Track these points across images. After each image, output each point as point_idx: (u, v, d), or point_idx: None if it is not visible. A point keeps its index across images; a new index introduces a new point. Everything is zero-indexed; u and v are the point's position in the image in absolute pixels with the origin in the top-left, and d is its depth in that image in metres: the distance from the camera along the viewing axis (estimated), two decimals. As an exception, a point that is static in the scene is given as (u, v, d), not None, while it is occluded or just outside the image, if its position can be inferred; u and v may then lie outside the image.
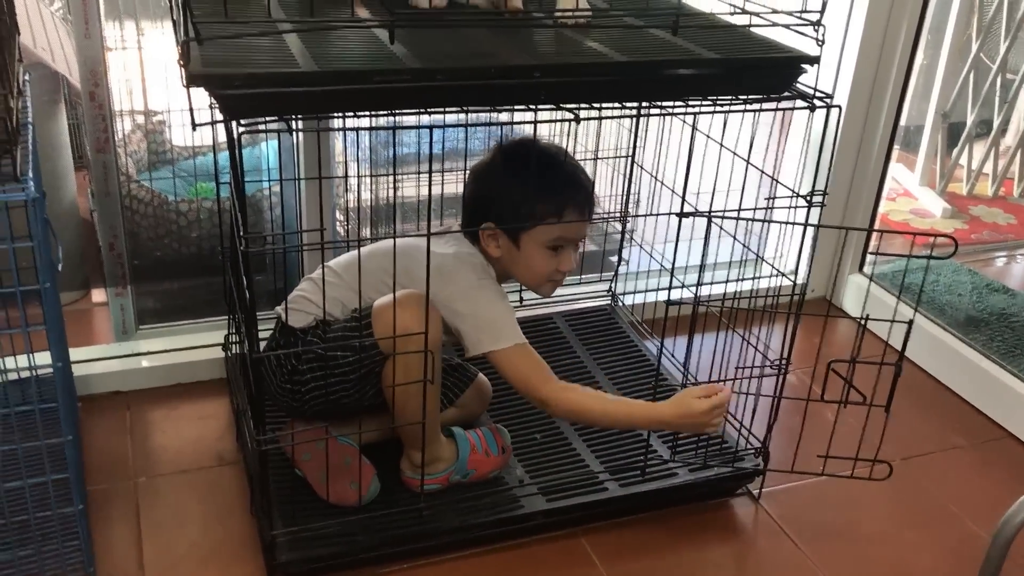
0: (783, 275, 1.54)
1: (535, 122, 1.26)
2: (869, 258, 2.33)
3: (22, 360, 1.52)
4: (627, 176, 2.01)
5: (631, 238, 2.08)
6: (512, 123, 1.45)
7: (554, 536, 1.55)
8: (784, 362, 1.57)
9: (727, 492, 1.67)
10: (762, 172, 1.52)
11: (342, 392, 1.45)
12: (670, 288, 1.68)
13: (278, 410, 1.54)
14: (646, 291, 2.06)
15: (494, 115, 1.28)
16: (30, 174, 1.17)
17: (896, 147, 3.19)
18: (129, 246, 1.88)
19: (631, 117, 1.35)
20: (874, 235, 2.32)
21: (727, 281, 1.66)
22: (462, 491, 1.54)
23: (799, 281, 2.32)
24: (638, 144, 1.96)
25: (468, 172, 1.57)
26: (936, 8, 2.34)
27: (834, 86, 2.14)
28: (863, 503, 1.69)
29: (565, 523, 1.56)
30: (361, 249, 1.41)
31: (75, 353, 1.84)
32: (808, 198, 1.42)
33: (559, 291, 2.05)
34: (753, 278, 2.02)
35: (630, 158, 1.98)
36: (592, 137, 2.11)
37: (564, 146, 1.67)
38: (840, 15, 2.08)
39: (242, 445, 1.67)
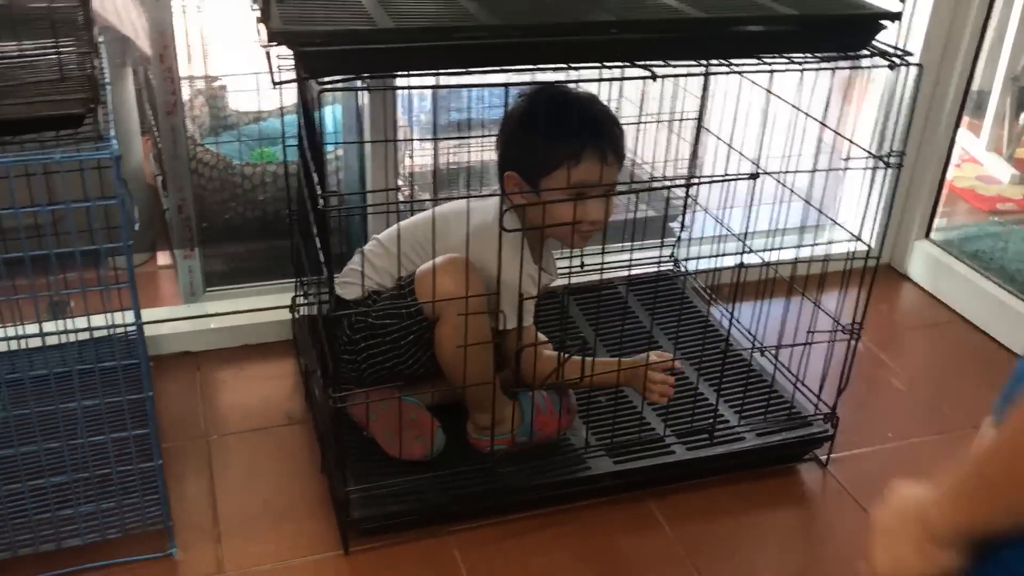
0: (857, 239, 1.51)
1: (609, 79, 1.25)
2: (937, 223, 2.28)
3: (98, 320, 1.56)
4: (694, 139, 1.98)
5: (695, 202, 2.06)
6: (582, 80, 1.42)
7: (621, 498, 1.55)
8: (857, 326, 1.55)
9: (795, 457, 1.66)
10: (836, 132, 1.49)
11: (397, 360, 1.47)
12: (741, 253, 1.67)
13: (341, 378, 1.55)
14: (709, 256, 2.04)
15: (572, 73, 1.26)
16: (112, 133, 1.18)
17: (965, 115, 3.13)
18: (196, 209, 1.90)
19: (702, 75, 1.32)
20: (943, 201, 2.27)
21: (797, 246, 1.64)
22: (529, 452, 1.54)
23: (865, 247, 2.30)
24: (705, 106, 1.93)
25: None
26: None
27: (904, 45, 2.09)
28: (931, 471, 1.66)
29: (632, 485, 1.56)
30: (405, 220, 1.42)
31: (145, 314, 1.86)
32: (885, 159, 1.40)
33: (620, 256, 2.05)
34: (822, 243, 2.00)
35: (697, 121, 1.96)
36: (657, 99, 2.09)
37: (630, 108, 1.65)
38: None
39: (311, 405, 1.69)
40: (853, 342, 1.56)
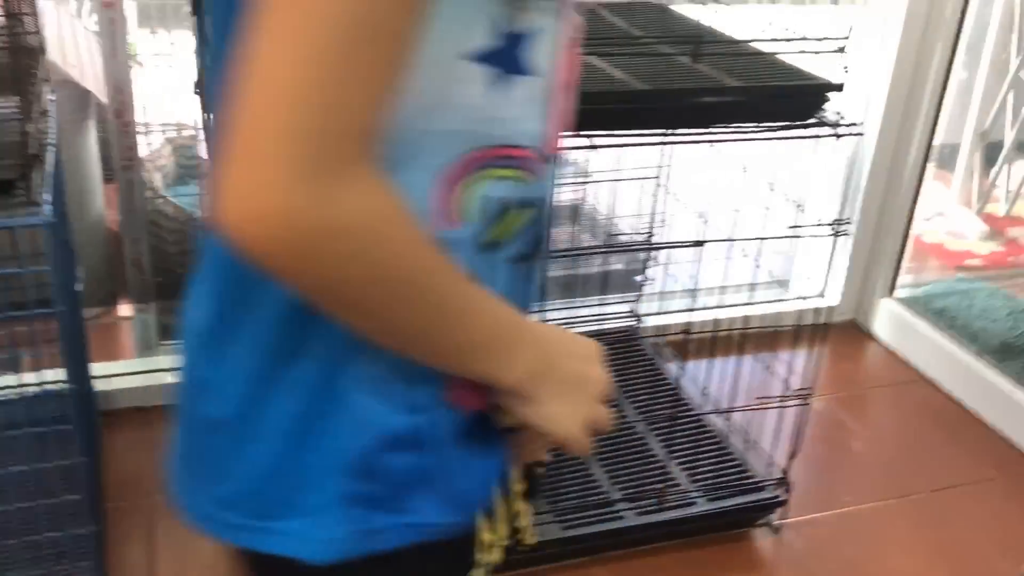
0: (800, 297, 1.51)
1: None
2: (901, 280, 2.28)
3: (47, 376, 1.54)
4: (653, 200, 1.98)
5: (654, 259, 2.06)
6: None
7: (568, 564, 1.53)
8: (807, 391, 1.54)
9: (747, 523, 1.64)
10: (796, 204, 1.49)
11: None
12: (690, 310, 1.67)
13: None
14: (666, 312, 2.04)
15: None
16: (48, 198, 1.17)
17: (931, 165, 3.15)
18: (153, 262, 1.89)
19: (654, 144, 1.33)
20: (907, 258, 2.27)
21: (754, 303, 1.63)
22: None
23: (828, 305, 2.29)
24: (662, 166, 1.94)
25: None
26: (973, 27, 2.29)
27: (866, 109, 2.10)
28: (889, 537, 1.65)
29: (579, 552, 1.54)
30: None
31: (98, 368, 1.85)
32: (834, 227, 1.39)
33: (581, 311, 2.05)
34: (781, 300, 2.00)
35: (656, 180, 1.96)
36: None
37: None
38: (873, 36, 2.04)
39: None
40: (804, 407, 1.55)
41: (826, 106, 1.35)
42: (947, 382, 2.06)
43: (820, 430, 1.92)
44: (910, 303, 2.22)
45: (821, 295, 2.32)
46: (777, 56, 1.39)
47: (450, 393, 0.60)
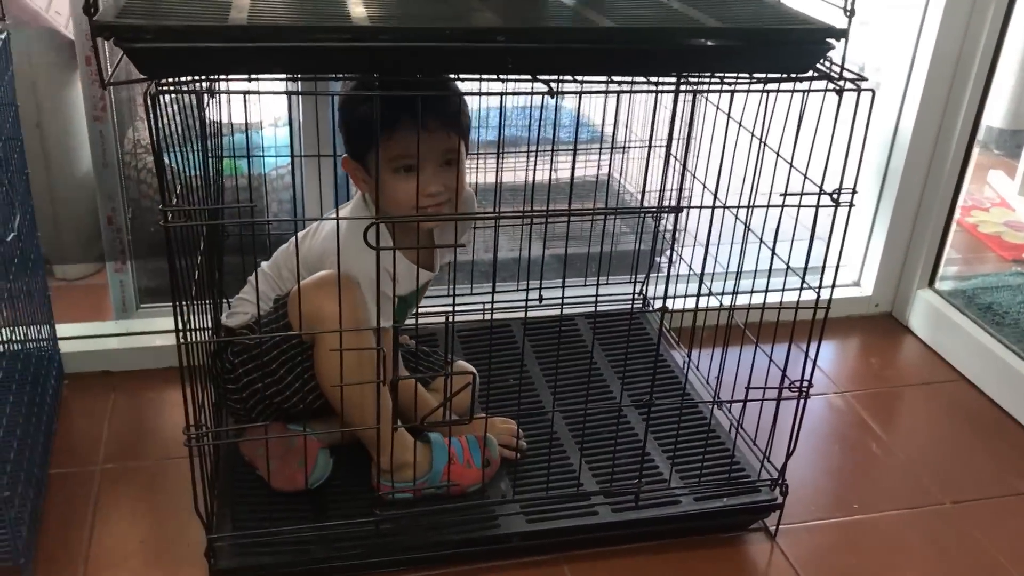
0: (806, 286, 1.31)
1: (503, 93, 1.11)
2: (946, 270, 2.08)
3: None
4: (664, 167, 1.83)
5: (665, 237, 1.90)
6: (481, 93, 1.27)
7: (534, 561, 1.39)
8: (805, 384, 1.36)
9: (738, 526, 1.48)
10: (791, 165, 1.31)
11: (276, 390, 1.36)
12: (697, 296, 1.51)
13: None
14: (677, 296, 1.87)
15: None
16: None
17: (994, 153, 2.91)
18: (133, 219, 1.81)
19: (616, 93, 1.17)
20: (953, 247, 2.06)
21: (772, 290, 1.44)
22: (433, 503, 1.39)
23: (862, 294, 2.10)
24: (674, 132, 1.77)
25: None
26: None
27: (906, 80, 1.90)
28: (900, 549, 1.47)
29: (546, 548, 1.40)
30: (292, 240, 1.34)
31: (68, 329, 1.78)
32: (835, 195, 1.22)
33: (582, 291, 1.90)
34: (804, 288, 1.83)
35: (666, 147, 1.80)
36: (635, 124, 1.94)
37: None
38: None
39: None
40: (803, 402, 1.38)
41: (831, 57, 1.18)
42: (987, 384, 1.86)
43: (837, 429, 1.74)
44: (952, 296, 2.02)
45: (856, 284, 2.14)
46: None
47: None
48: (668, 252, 1.90)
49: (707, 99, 1.58)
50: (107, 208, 1.77)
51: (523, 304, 1.82)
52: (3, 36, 1.45)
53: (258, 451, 1.40)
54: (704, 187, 1.58)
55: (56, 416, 1.63)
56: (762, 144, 1.36)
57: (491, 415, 1.48)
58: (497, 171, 1.58)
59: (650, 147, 1.79)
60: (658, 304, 1.93)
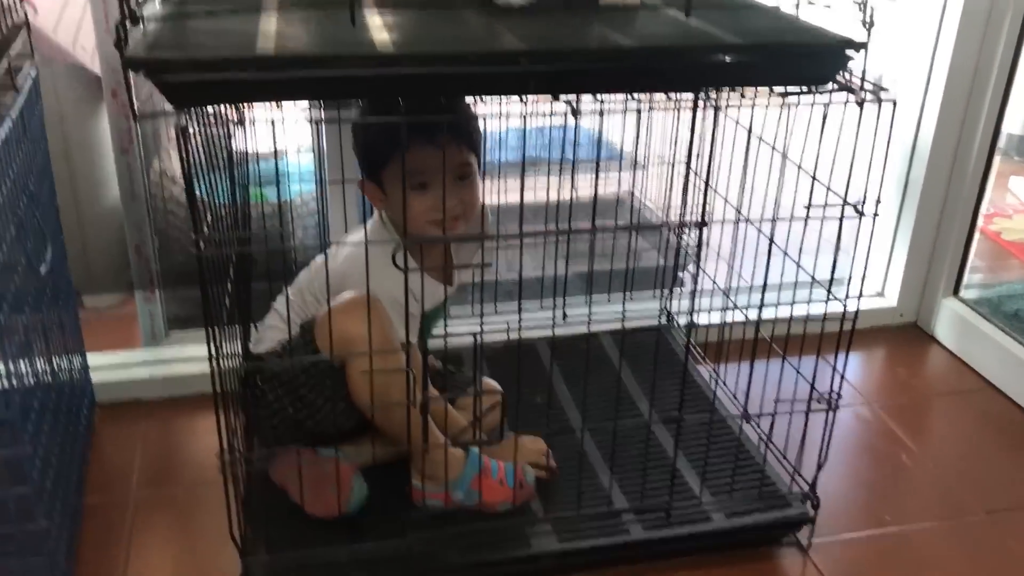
0: (832, 297, 1.31)
1: (526, 114, 1.12)
2: (971, 278, 2.07)
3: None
4: (684, 183, 1.83)
5: (688, 252, 1.90)
6: (503, 115, 1.30)
7: (566, 581, 1.40)
8: (834, 397, 1.36)
9: (770, 541, 1.48)
10: (813, 178, 1.32)
11: (307, 415, 1.37)
12: (723, 310, 1.51)
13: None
14: (699, 311, 1.87)
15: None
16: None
17: (1017, 158, 2.89)
18: (162, 250, 1.83)
19: (635, 111, 1.17)
20: (978, 255, 2.05)
21: (793, 303, 1.44)
22: (466, 523, 1.40)
23: (886, 305, 2.10)
24: (694, 149, 1.78)
25: None
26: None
27: (925, 87, 1.91)
28: (935, 561, 1.46)
29: (578, 567, 1.40)
30: (313, 264, 1.40)
31: (99, 359, 1.80)
32: (859, 207, 1.23)
33: (606, 307, 1.91)
34: (828, 300, 1.82)
35: (687, 163, 1.81)
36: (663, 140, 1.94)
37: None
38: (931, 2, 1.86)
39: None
40: (831, 414, 1.38)
41: (851, 69, 1.19)
42: (1016, 391, 1.85)
43: (867, 441, 1.74)
44: (978, 304, 2.01)
45: (881, 294, 2.13)
46: (783, 12, 1.24)
47: None
48: (693, 267, 1.90)
49: (727, 114, 1.59)
50: (135, 238, 1.80)
51: (546, 322, 1.84)
52: (33, 75, 1.47)
53: (289, 477, 1.41)
54: (726, 201, 1.59)
55: (90, 446, 1.65)
56: (783, 158, 1.37)
57: (520, 434, 1.49)
58: (520, 191, 1.59)
59: (671, 164, 1.80)
60: (682, 320, 1.93)
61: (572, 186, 1.92)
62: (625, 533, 1.40)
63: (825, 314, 1.31)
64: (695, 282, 1.85)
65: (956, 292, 2.03)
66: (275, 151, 1.34)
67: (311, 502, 1.39)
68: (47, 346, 1.41)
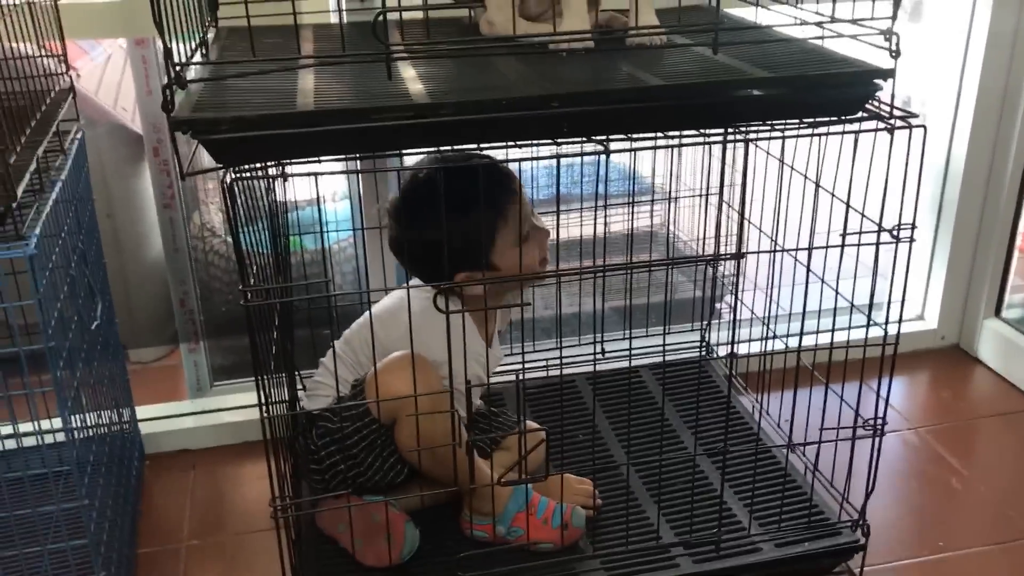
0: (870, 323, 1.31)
1: (558, 155, 1.15)
2: (1013, 298, 2.05)
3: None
4: (717, 215, 1.84)
5: (725, 283, 1.91)
6: (537, 157, 1.34)
7: (617, 617, 1.39)
8: (881, 421, 1.36)
9: (821, 571, 1.46)
10: (847, 205, 1.33)
11: (357, 470, 1.39)
12: (763, 339, 1.51)
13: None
14: (739, 341, 1.88)
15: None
16: (36, 231, 1.14)
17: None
18: (204, 302, 1.87)
19: (666, 148, 1.19)
20: (1012, 275, 2.04)
21: (831, 330, 1.44)
22: (512, 561, 1.40)
23: (927, 328, 2.09)
24: (724, 179, 1.79)
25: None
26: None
27: (956, 103, 1.91)
28: (990, 587, 1.44)
29: (629, 602, 1.40)
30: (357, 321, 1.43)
31: (147, 410, 1.83)
32: (893, 232, 1.23)
33: (645, 342, 1.91)
34: (868, 325, 1.82)
35: (719, 195, 1.82)
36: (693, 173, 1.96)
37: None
38: (962, 18, 1.86)
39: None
40: (878, 440, 1.37)
41: (879, 96, 1.20)
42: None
43: (915, 466, 1.72)
44: (1021, 323, 1.99)
45: (921, 317, 2.12)
46: (809, 43, 1.25)
47: None
48: (731, 298, 1.91)
49: (757, 145, 1.60)
50: (179, 292, 1.84)
51: (585, 358, 1.85)
52: (80, 136, 1.52)
53: (339, 528, 1.42)
54: (760, 231, 1.60)
55: (140, 496, 1.67)
56: (817, 186, 1.38)
57: (565, 471, 1.50)
58: (556, 228, 1.61)
59: (704, 195, 1.81)
60: (722, 351, 1.93)
61: (605, 221, 1.94)
62: (675, 567, 1.40)
63: (866, 339, 1.31)
64: (733, 312, 1.86)
65: (998, 313, 2.02)
66: (318, 199, 1.37)
67: (363, 552, 1.40)
68: (98, 400, 1.44)
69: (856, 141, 1.25)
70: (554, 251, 1.46)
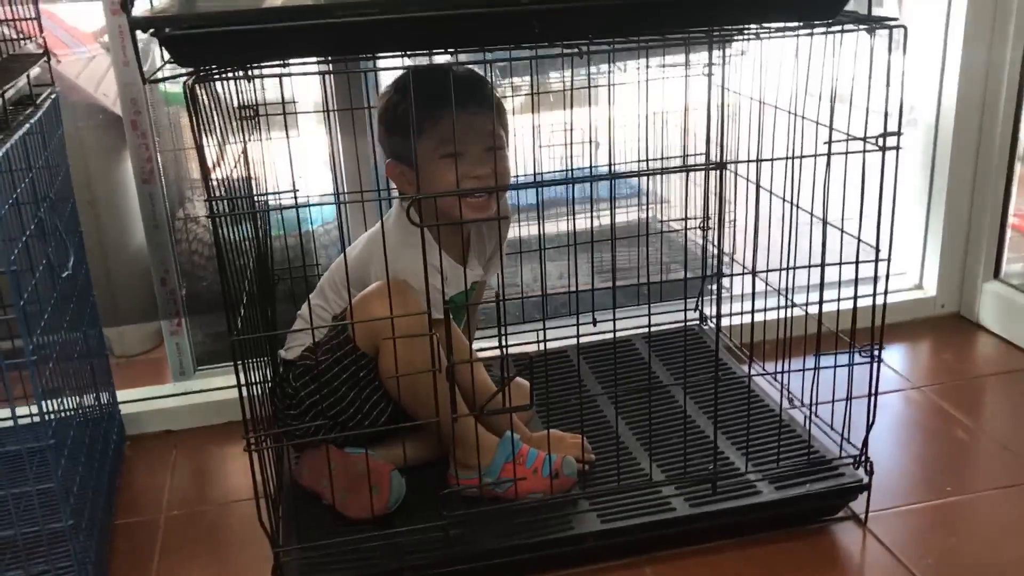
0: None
1: (535, 57, 1.13)
2: (1007, 260, 2.01)
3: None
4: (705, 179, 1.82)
5: (718, 252, 1.87)
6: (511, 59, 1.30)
7: (610, 566, 1.33)
8: (876, 347, 1.31)
9: (825, 513, 1.40)
10: (826, 124, 1.30)
11: (338, 409, 1.35)
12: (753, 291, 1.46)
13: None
14: (736, 312, 1.83)
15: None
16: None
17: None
18: (187, 288, 1.83)
19: (646, 47, 1.16)
20: (1010, 236, 2.00)
21: (829, 300, 1.39)
22: (501, 508, 1.34)
23: (926, 295, 2.04)
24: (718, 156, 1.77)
25: None
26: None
27: (942, 63, 1.90)
28: (1003, 526, 1.38)
29: (624, 549, 1.33)
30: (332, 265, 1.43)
31: (130, 393, 1.79)
32: (876, 140, 1.20)
33: (637, 320, 1.86)
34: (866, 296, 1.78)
35: (705, 155, 1.79)
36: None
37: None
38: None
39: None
40: (876, 365, 1.32)
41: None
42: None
43: (919, 420, 1.67)
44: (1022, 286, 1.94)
45: (919, 286, 2.07)
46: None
47: None
48: (717, 265, 1.87)
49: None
50: (160, 270, 1.80)
51: (577, 329, 1.80)
52: (54, 97, 1.50)
53: (322, 483, 1.37)
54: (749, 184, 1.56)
55: (119, 471, 1.62)
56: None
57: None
58: (539, 204, 1.58)
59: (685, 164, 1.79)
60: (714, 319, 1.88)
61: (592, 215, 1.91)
62: (670, 510, 1.34)
63: (857, 257, 1.27)
64: (720, 265, 1.82)
65: (997, 275, 1.97)
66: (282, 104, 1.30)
67: (345, 503, 1.35)
68: (68, 351, 1.39)
69: (838, 45, 1.22)
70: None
